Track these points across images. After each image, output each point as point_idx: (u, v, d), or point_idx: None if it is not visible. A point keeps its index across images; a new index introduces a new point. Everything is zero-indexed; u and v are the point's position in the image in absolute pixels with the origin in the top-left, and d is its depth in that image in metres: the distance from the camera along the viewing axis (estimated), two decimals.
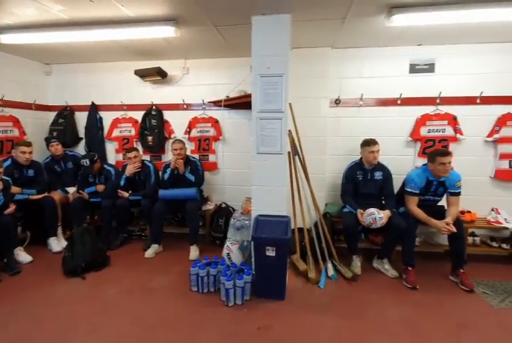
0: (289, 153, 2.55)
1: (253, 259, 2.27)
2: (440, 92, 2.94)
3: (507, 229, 2.69)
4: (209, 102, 3.38)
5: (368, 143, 2.68)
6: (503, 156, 2.90)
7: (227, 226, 2.81)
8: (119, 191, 3.12)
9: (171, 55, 3.34)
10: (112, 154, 3.75)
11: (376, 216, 2.43)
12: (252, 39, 2.29)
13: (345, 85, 3.14)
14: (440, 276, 2.53)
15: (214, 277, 2.28)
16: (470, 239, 2.84)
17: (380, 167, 2.75)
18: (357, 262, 2.63)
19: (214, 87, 3.44)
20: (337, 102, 3.14)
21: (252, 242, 2.21)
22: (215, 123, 3.48)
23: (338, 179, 2.96)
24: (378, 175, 2.74)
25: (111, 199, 3.09)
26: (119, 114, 3.66)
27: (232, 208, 3.36)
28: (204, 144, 3.53)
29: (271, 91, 2.30)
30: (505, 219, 2.73)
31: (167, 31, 2.52)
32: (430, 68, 2.98)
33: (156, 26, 2.47)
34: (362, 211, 2.53)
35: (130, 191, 3.17)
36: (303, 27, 2.56)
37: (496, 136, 2.89)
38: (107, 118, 3.70)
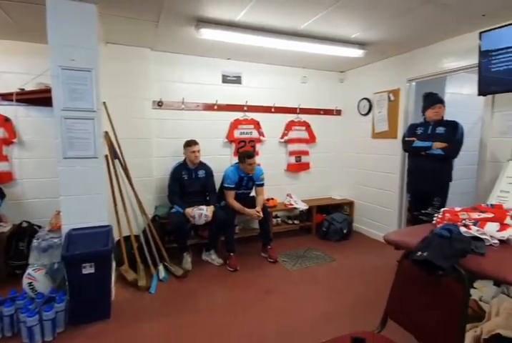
0: (107, 156, 2.34)
1: (67, 282, 1.95)
2: (247, 101, 3.50)
3: (296, 208, 3.58)
4: None
5: (189, 143, 2.87)
6: (291, 153, 3.81)
7: None
8: None
9: None
10: None
11: (203, 212, 2.63)
12: (47, 24, 1.94)
13: (167, 88, 3.19)
14: (255, 255, 3.05)
15: (11, 318, 1.80)
16: (274, 221, 3.58)
17: (203, 166, 3.00)
18: (187, 259, 2.75)
19: (0, 75, 2.67)
20: (160, 104, 3.15)
21: (64, 262, 1.89)
22: (5, 122, 2.70)
23: (166, 181, 2.99)
24: (201, 173, 2.97)
25: None
26: None
27: (39, 226, 2.72)
28: None
29: (78, 87, 2.04)
30: (295, 201, 3.61)
31: None
32: (237, 80, 3.48)
33: None
34: (190, 209, 2.67)
35: None
36: (117, 22, 2.40)
37: (286, 137, 3.76)
38: None
